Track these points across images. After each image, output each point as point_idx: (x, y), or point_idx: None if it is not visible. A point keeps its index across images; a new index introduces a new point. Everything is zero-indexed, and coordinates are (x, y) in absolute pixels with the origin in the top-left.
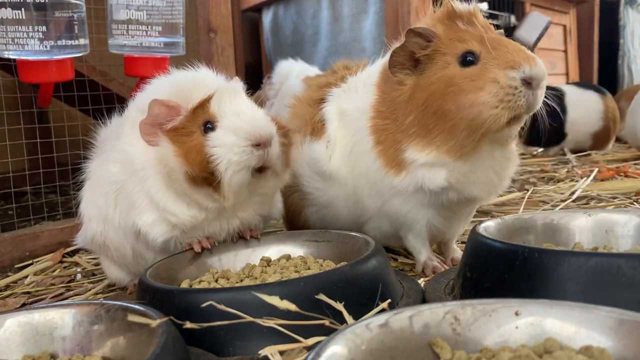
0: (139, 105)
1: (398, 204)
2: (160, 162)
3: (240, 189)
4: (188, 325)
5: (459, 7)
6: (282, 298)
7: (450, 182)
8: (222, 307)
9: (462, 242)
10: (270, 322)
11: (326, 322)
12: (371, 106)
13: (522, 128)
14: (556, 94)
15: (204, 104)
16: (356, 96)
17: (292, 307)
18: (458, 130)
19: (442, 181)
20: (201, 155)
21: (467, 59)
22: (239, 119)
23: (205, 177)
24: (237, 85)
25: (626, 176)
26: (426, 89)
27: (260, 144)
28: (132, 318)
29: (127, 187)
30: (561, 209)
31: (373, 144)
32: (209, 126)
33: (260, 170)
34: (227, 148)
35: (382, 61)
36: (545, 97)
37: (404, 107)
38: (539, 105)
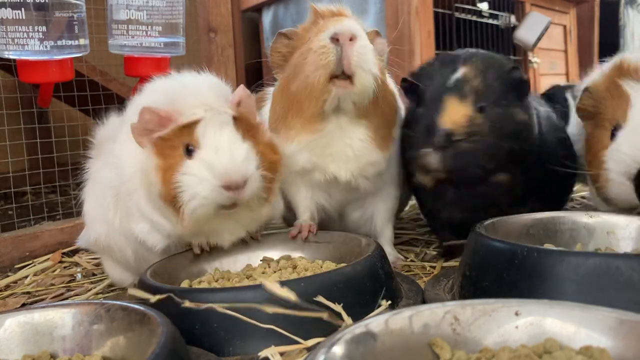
0: (136, 108)
1: (288, 185)
2: (143, 174)
3: (203, 220)
4: (187, 304)
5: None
6: None
7: (312, 161)
8: (222, 308)
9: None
10: (270, 324)
11: (325, 318)
12: (269, 109)
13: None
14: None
15: (190, 125)
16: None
17: (292, 296)
18: (303, 105)
19: (304, 162)
20: (174, 177)
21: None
22: (216, 156)
23: (171, 199)
24: (226, 116)
25: None
26: (285, 78)
27: (231, 187)
28: (132, 292)
29: (122, 194)
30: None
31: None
32: (190, 149)
33: (229, 206)
34: (197, 180)
35: None
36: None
37: (276, 100)
38: (353, 59)
